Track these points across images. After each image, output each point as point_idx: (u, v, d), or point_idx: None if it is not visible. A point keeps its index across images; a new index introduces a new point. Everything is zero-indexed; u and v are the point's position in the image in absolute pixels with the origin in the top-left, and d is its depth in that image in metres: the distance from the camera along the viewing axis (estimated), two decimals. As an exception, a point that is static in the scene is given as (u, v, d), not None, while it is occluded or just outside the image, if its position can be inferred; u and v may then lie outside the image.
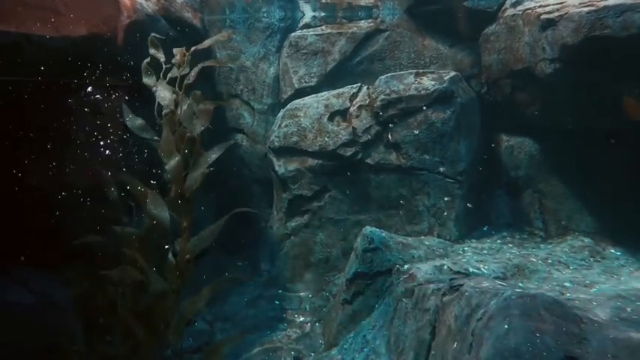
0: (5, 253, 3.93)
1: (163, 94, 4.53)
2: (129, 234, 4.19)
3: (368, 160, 6.16)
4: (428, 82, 6.11)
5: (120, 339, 4.05)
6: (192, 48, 4.85)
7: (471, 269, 4.75)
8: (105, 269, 3.94)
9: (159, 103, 4.56)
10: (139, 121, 4.52)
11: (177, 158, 4.31)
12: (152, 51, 4.77)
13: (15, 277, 3.92)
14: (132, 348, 4.00)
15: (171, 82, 4.67)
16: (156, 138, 4.51)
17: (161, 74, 4.70)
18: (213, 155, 4.49)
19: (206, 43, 5.06)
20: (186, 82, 4.63)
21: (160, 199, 4.17)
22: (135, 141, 4.67)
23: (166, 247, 4.23)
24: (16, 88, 4.06)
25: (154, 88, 4.62)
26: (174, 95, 4.58)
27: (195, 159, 4.46)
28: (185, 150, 4.44)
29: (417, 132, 6.03)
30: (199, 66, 4.74)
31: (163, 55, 4.76)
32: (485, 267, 4.84)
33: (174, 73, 4.68)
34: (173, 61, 4.70)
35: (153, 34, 4.82)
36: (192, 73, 4.67)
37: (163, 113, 4.50)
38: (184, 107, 4.53)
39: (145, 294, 4.05)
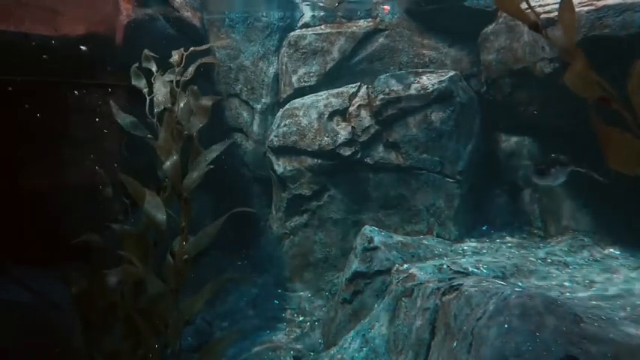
0: (3, 252, 3.92)
1: (160, 91, 4.51)
2: (126, 233, 4.18)
3: (367, 160, 6.16)
4: (427, 82, 6.11)
5: (119, 338, 4.05)
6: (191, 49, 4.84)
7: (470, 269, 4.75)
8: (103, 269, 3.93)
9: (150, 102, 4.54)
10: (131, 119, 4.50)
11: (174, 157, 4.29)
12: (145, 64, 4.74)
13: (13, 276, 3.91)
14: (131, 347, 3.99)
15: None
16: (149, 136, 4.49)
17: (156, 73, 4.67)
18: (212, 154, 4.47)
19: (204, 47, 5.05)
20: (183, 79, 4.61)
21: (157, 199, 4.16)
22: (133, 140, 4.66)
23: (161, 246, 4.22)
24: (14, 87, 4.05)
25: (145, 90, 4.60)
26: (171, 93, 4.56)
27: (193, 158, 4.44)
28: (183, 149, 4.42)
29: (416, 131, 6.03)
30: (197, 63, 4.72)
31: (156, 66, 4.73)
32: (485, 266, 4.84)
33: (172, 74, 4.67)
34: (171, 60, 4.68)
35: (146, 50, 4.79)
36: (190, 70, 4.65)
37: (156, 111, 4.47)
38: (182, 105, 4.51)
39: (143, 294, 4.05)
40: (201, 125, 4.49)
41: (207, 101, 4.55)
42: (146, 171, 4.50)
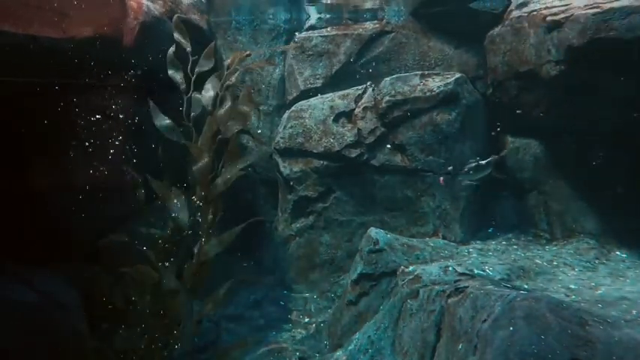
0: (12, 254, 3.96)
1: (208, 92, 4.54)
2: (148, 234, 4.22)
3: (373, 162, 6.17)
4: (433, 84, 6.12)
5: (134, 336, 4.08)
6: (247, 52, 4.92)
7: (476, 271, 4.75)
8: (117, 268, 3.97)
9: (188, 104, 4.55)
10: (167, 122, 4.51)
11: (205, 160, 4.31)
12: (176, 35, 4.73)
13: (23, 278, 3.94)
14: (145, 345, 4.02)
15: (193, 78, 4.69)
16: (177, 139, 4.52)
17: (190, 71, 4.69)
18: (245, 162, 4.50)
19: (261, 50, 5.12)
20: (227, 83, 4.63)
21: (182, 201, 4.19)
22: (143, 142, 4.69)
23: (182, 247, 4.26)
24: (23, 89, 4.08)
25: (182, 86, 4.61)
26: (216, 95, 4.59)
27: (227, 162, 4.46)
28: (215, 152, 4.47)
29: (422, 133, 6.04)
30: (241, 68, 4.76)
31: (189, 45, 4.75)
32: (491, 269, 4.84)
33: (203, 67, 4.67)
34: (226, 62, 4.72)
35: (177, 15, 4.80)
36: (237, 74, 4.68)
37: (194, 115, 4.50)
38: (224, 109, 4.52)
39: (159, 293, 4.08)
40: (237, 130, 4.51)
41: (246, 107, 4.58)
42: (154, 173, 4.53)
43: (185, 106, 4.57)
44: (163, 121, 4.51)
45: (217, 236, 4.31)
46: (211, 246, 4.25)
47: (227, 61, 4.76)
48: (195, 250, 4.24)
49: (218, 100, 4.57)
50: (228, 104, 4.57)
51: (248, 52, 4.99)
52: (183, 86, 4.66)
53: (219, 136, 4.47)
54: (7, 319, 3.71)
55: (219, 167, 4.49)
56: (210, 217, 4.34)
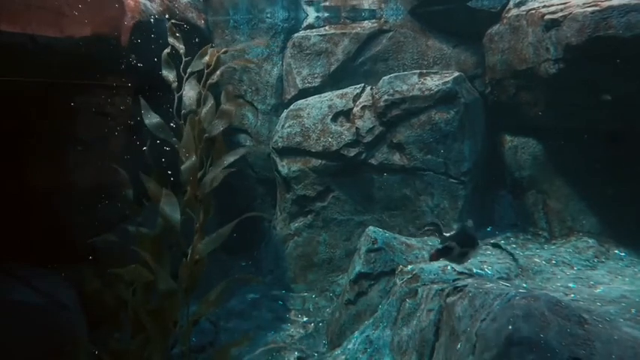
0: (12, 254, 3.94)
1: (189, 92, 4.53)
2: (141, 234, 4.20)
3: (371, 161, 6.16)
4: (431, 83, 6.11)
5: (129, 337, 4.06)
6: (224, 49, 4.92)
7: (474, 270, 4.75)
8: (112, 268, 3.95)
9: (178, 103, 4.55)
10: (157, 120, 4.50)
11: (193, 159, 4.31)
12: (171, 40, 4.73)
13: (23, 278, 3.93)
14: (141, 346, 4.01)
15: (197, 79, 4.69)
16: (173, 139, 4.50)
17: (182, 70, 4.68)
18: (231, 158, 4.49)
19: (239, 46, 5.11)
20: (210, 81, 4.62)
21: (174, 200, 4.18)
22: (140, 141, 4.67)
23: (173, 247, 4.25)
24: (21, 88, 4.06)
25: (174, 84, 4.61)
26: (199, 94, 4.58)
27: (214, 160, 4.46)
28: (203, 151, 4.45)
29: (420, 132, 6.03)
30: (226, 65, 4.75)
31: (183, 46, 4.75)
32: (489, 267, 4.84)
33: (196, 67, 4.68)
34: (204, 60, 4.70)
35: (172, 20, 4.82)
36: (218, 72, 4.66)
37: (183, 113, 4.49)
38: (207, 107, 4.52)
39: (155, 293, 4.06)
40: (222, 129, 4.50)
41: (231, 106, 4.56)
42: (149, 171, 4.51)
43: (176, 104, 4.56)
44: (153, 119, 4.49)
45: (210, 234, 4.30)
46: (204, 244, 4.24)
47: (204, 59, 4.72)
48: (189, 250, 4.22)
49: (202, 99, 4.56)
50: (211, 102, 4.56)
51: (225, 50, 4.98)
52: (175, 84, 4.65)
53: (206, 135, 4.45)
54: (8, 319, 3.70)
55: (206, 165, 4.49)
56: (202, 215, 4.32)
